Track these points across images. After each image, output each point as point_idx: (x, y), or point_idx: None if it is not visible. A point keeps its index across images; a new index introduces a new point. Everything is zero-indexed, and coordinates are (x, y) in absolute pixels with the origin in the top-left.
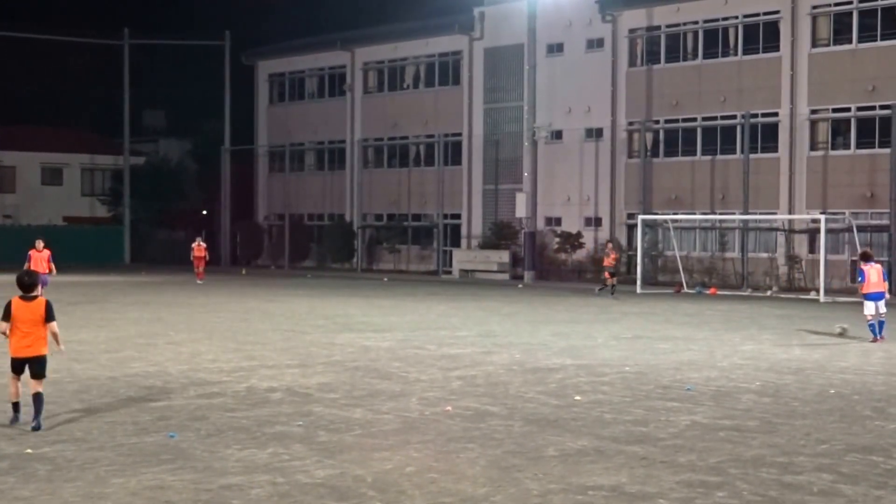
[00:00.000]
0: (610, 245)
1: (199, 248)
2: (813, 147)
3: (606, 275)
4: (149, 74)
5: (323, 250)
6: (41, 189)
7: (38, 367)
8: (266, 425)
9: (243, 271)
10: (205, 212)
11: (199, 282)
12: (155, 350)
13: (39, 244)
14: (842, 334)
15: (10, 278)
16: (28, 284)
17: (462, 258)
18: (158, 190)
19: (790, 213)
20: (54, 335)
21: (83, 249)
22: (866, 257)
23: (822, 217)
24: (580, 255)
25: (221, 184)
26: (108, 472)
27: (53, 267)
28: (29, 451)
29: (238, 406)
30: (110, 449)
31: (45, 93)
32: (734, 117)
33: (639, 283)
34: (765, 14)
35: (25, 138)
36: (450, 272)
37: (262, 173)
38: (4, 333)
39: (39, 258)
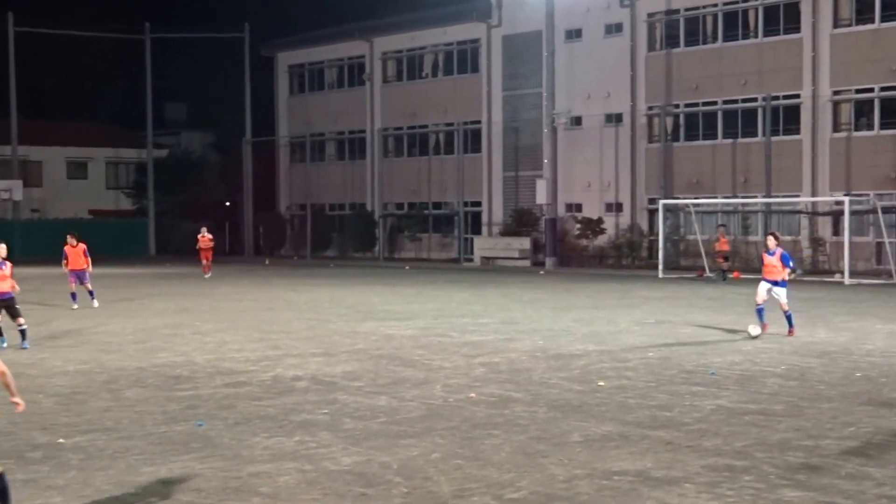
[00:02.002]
0: (722, 229)
1: (204, 238)
2: (836, 128)
3: (721, 259)
4: (170, 68)
5: (345, 240)
6: (67, 183)
7: None
8: (292, 413)
9: (266, 261)
10: (227, 203)
11: (206, 276)
12: (181, 340)
13: (73, 239)
14: (755, 338)
15: (40, 271)
16: None
17: (483, 245)
18: (181, 182)
19: (813, 195)
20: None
21: (108, 242)
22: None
23: (846, 199)
24: (601, 240)
25: (243, 175)
26: (139, 461)
27: (90, 261)
28: (62, 440)
29: (264, 395)
30: (140, 438)
31: (69, 88)
32: (755, 100)
33: (661, 267)
34: None
35: (50, 133)
36: (471, 259)
37: (284, 164)
38: None
39: (75, 253)
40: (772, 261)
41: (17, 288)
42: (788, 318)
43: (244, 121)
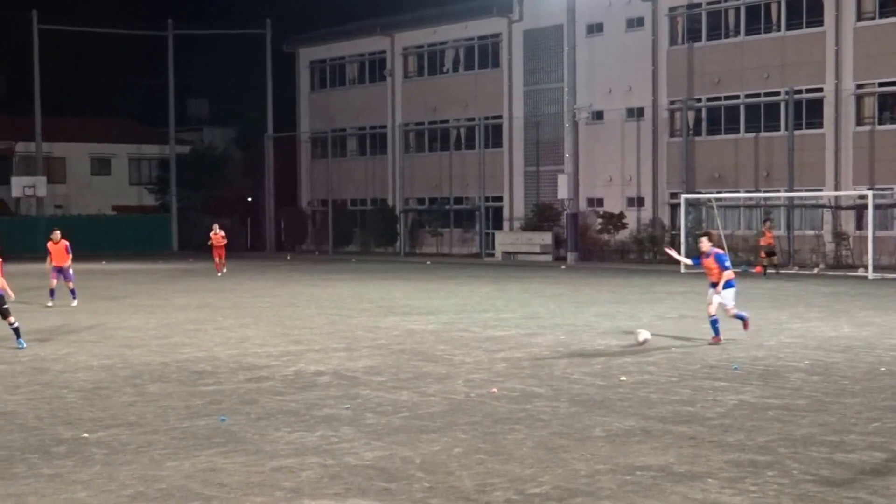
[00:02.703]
0: (768, 224)
1: (216, 236)
2: (859, 122)
3: (763, 254)
4: (192, 64)
5: (366, 235)
6: (90, 179)
7: None
8: (315, 408)
9: (288, 257)
10: (249, 198)
11: (220, 274)
12: (204, 335)
13: (56, 235)
14: (644, 343)
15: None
16: None
17: (504, 240)
18: (204, 178)
19: (836, 189)
20: None
21: (132, 238)
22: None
23: (870, 193)
24: (623, 235)
25: (265, 170)
26: (163, 456)
27: (71, 257)
28: (85, 435)
29: (287, 390)
30: (164, 433)
31: (92, 84)
32: (778, 94)
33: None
34: None
35: (74, 129)
36: (492, 255)
37: (305, 159)
38: None
39: (58, 249)
40: (708, 263)
41: (12, 294)
42: (714, 324)
43: (266, 117)
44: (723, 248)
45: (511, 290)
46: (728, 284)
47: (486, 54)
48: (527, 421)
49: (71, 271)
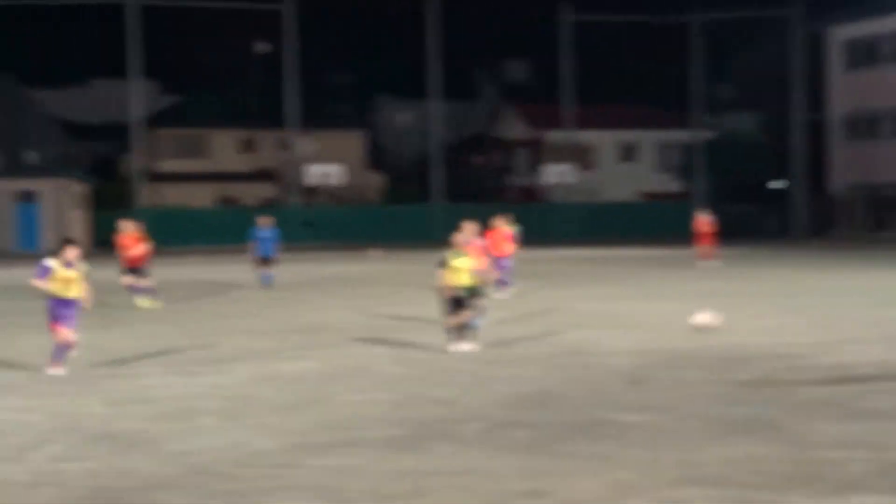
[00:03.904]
0: None
1: (705, 222)
2: None
3: None
4: (718, 48)
5: None
6: (618, 166)
7: None
8: (858, 400)
9: (812, 242)
10: (776, 184)
11: (707, 263)
12: (734, 322)
13: (499, 221)
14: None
15: (592, 253)
16: None
17: None
18: (729, 163)
19: None
20: None
21: (654, 224)
22: None
23: None
24: None
25: (793, 155)
26: (701, 441)
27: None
28: (622, 418)
29: (826, 380)
30: (700, 418)
31: (619, 71)
32: None
33: None
34: None
35: (602, 117)
36: None
37: (836, 142)
38: None
39: (495, 238)
40: None
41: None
42: None
43: (793, 99)
44: None
45: None
46: None
47: None
48: None
49: (504, 262)
